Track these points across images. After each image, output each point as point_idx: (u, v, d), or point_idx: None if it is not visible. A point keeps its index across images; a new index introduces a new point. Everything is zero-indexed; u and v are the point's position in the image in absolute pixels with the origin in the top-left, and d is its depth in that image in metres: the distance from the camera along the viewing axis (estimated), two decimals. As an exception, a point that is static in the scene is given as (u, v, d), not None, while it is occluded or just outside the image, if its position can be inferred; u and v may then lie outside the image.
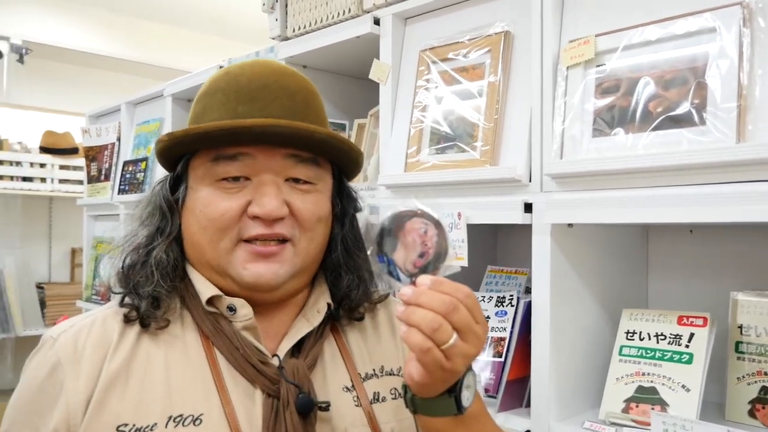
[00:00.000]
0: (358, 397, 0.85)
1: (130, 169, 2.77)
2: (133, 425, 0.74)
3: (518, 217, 1.18)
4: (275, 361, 0.81)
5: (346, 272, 0.89)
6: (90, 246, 3.21)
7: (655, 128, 1.01)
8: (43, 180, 4.55)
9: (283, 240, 0.81)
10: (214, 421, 0.76)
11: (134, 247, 0.85)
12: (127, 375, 0.77)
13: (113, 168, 2.93)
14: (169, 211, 0.85)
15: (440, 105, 1.36)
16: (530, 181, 1.19)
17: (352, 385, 0.86)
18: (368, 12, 1.55)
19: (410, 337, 0.67)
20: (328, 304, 0.88)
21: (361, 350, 0.91)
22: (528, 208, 1.18)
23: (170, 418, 0.75)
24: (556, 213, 1.13)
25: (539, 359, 1.16)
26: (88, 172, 3.13)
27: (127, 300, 0.83)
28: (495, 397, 1.24)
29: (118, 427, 0.74)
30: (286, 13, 1.81)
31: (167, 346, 0.81)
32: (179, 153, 0.85)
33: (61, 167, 4.61)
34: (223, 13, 4.15)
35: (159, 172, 1.24)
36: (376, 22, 1.53)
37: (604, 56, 1.10)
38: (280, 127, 0.78)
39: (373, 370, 0.90)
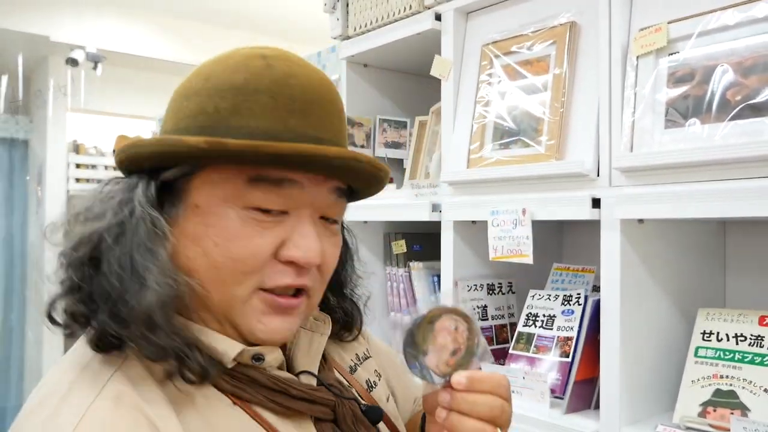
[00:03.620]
0: (356, 391, 0.81)
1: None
2: None
3: (585, 213, 1.14)
4: (311, 381, 0.73)
5: (343, 308, 0.85)
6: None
7: (734, 117, 0.96)
8: (116, 182, 4.75)
9: (299, 290, 0.69)
10: None
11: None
12: None
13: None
14: (161, 231, 0.64)
15: (503, 99, 1.33)
16: (598, 175, 1.15)
17: (349, 383, 0.82)
18: (429, 8, 1.54)
19: None
20: (325, 311, 0.82)
21: (333, 346, 0.85)
22: (596, 203, 1.14)
23: None
24: (626, 208, 1.09)
25: (608, 360, 1.12)
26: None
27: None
28: (561, 399, 1.21)
29: None
30: (347, 13, 1.82)
31: (201, 414, 0.64)
32: (194, 164, 0.66)
33: (133, 170, 4.80)
34: (284, 16, 4.22)
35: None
36: (438, 17, 1.51)
37: (677, 44, 1.05)
38: (357, 161, 0.67)
39: (353, 360, 0.86)
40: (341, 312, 0.85)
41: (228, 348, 0.66)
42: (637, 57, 1.09)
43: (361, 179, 0.71)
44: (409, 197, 1.56)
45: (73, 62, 4.28)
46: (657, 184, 1.06)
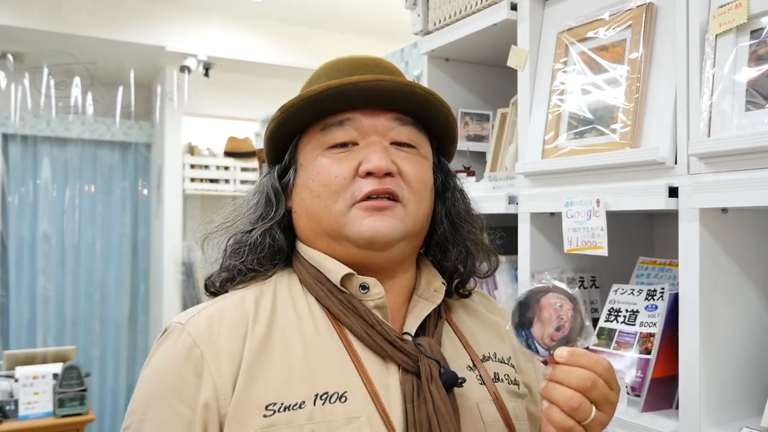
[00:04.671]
0: (481, 376, 0.86)
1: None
2: (282, 404, 0.74)
3: (662, 203, 1.09)
4: (407, 339, 0.82)
5: (454, 246, 0.90)
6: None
7: (820, 96, 0.88)
8: (227, 181, 5.03)
9: (393, 199, 0.83)
10: (358, 398, 0.76)
11: (232, 234, 0.88)
12: (268, 353, 0.78)
13: (281, 168, 3.15)
14: (275, 197, 0.88)
15: (578, 87, 1.29)
16: (675, 163, 1.09)
17: (474, 365, 0.87)
18: (505, -2, 1.52)
19: (551, 415, 0.70)
20: (443, 284, 0.89)
21: (473, 333, 0.92)
22: (673, 192, 1.09)
23: (317, 395, 0.75)
24: (706, 197, 1.03)
25: (687, 357, 1.06)
26: (260, 172, 3.40)
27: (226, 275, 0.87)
28: (640, 396, 1.16)
29: (267, 405, 0.74)
30: (428, 8, 1.83)
31: (300, 323, 0.81)
32: (289, 131, 0.87)
33: (242, 169, 5.07)
34: (373, 13, 4.27)
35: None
36: (513, 7, 1.49)
37: (758, 20, 0.98)
38: (385, 81, 0.81)
39: (488, 353, 0.90)
40: (447, 255, 0.91)
41: (339, 268, 0.83)
42: (716, 36, 1.03)
43: (410, 103, 0.85)
44: (487, 190, 1.55)
45: (186, 70, 4.58)
46: (740, 171, 0.99)
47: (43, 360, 3.22)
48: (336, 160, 0.83)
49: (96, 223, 5.16)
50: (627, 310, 1.31)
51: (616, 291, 1.36)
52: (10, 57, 4.20)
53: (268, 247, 0.86)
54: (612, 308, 1.34)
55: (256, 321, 0.80)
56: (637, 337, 1.25)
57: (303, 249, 0.88)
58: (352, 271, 0.82)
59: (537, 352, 0.75)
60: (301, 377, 0.76)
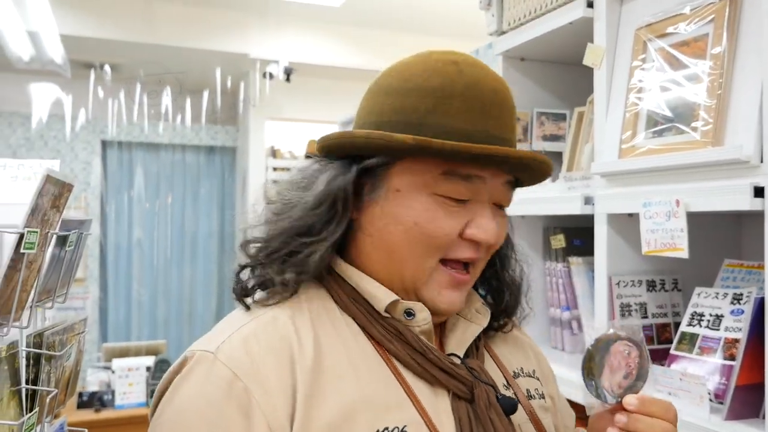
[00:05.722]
0: (515, 394, 0.84)
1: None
2: None
3: (746, 203, 1.04)
4: (459, 363, 0.79)
5: (507, 287, 0.90)
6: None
7: None
8: (307, 183, 5.16)
9: (470, 264, 0.79)
10: (418, 430, 0.72)
11: (282, 231, 0.78)
12: (321, 383, 0.71)
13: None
14: (342, 206, 0.77)
15: (657, 85, 1.26)
16: (761, 161, 1.05)
17: (508, 383, 0.86)
18: (582, -5, 1.49)
19: None
20: (484, 304, 0.88)
21: (500, 349, 0.91)
22: (759, 192, 1.04)
23: (377, 431, 0.70)
24: (795, 197, 0.98)
25: (774, 364, 1.01)
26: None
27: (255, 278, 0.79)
28: (723, 404, 1.12)
29: None
30: (502, 8, 1.82)
31: (345, 347, 0.75)
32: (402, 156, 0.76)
33: (322, 171, 5.18)
34: (448, 15, 4.27)
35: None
36: (590, 4, 1.46)
37: None
38: (539, 161, 0.77)
39: (517, 369, 0.89)
40: (501, 296, 0.91)
41: (384, 296, 0.77)
42: (805, 28, 0.98)
43: (534, 176, 0.81)
44: (562, 190, 1.53)
45: (269, 75, 4.74)
46: (832, 169, 0.94)
47: (137, 353, 3.42)
48: (448, 214, 0.76)
49: (185, 225, 5.43)
50: (711, 315, 1.26)
51: (699, 294, 1.32)
52: (107, 68, 4.48)
53: (314, 267, 0.76)
54: (695, 312, 1.29)
55: (301, 345, 0.72)
56: (721, 343, 1.20)
57: (345, 268, 0.80)
58: (398, 297, 0.77)
59: (606, 400, 0.77)
60: (359, 411, 0.70)
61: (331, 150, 0.79)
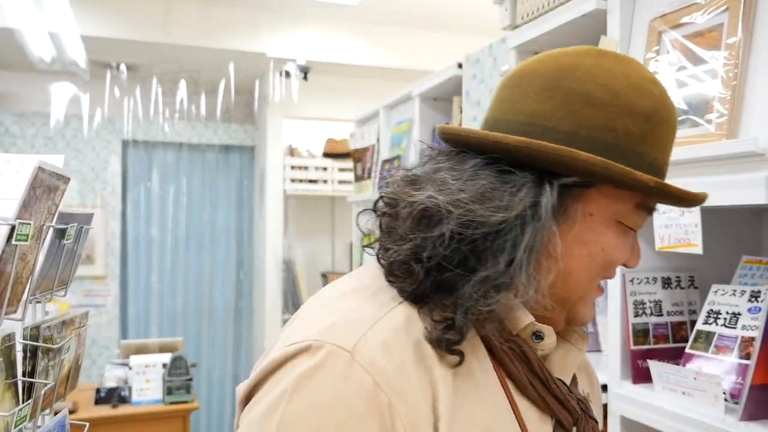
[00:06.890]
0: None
1: (386, 167, 2.99)
2: None
3: (762, 197, 1.01)
4: (568, 393, 0.75)
5: None
6: (359, 239, 3.55)
7: None
8: (325, 182, 5.17)
9: None
10: None
11: (477, 237, 0.65)
12: (455, 405, 0.64)
13: (374, 167, 3.20)
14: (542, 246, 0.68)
15: (671, 77, 1.23)
16: (777, 154, 1.01)
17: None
18: (595, -14, 1.46)
19: None
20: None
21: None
22: (774, 186, 1.01)
23: None
24: (812, 190, 0.95)
25: (791, 363, 0.98)
26: (355, 172, 3.47)
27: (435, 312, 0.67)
28: (739, 404, 1.08)
29: None
30: (515, 2, 1.79)
31: (473, 367, 0.68)
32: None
33: (340, 170, 5.19)
34: (464, 10, 4.24)
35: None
36: (603, -4, 1.43)
37: None
38: (702, 199, 0.76)
39: (583, 390, 0.86)
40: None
41: (523, 316, 0.70)
42: (823, 15, 0.95)
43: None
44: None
45: (286, 74, 4.75)
46: None
47: (154, 350, 3.45)
48: (627, 242, 0.75)
49: (203, 223, 5.46)
50: (728, 312, 1.23)
51: (716, 292, 1.28)
52: (123, 68, 4.53)
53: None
54: (711, 310, 1.26)
55: (438, 358, 0.65)
56: (738, 341, 1.17)
57: None
58: (533, 320, 0.71)
59: None
60: None
61: (521, 161, 0.68)
